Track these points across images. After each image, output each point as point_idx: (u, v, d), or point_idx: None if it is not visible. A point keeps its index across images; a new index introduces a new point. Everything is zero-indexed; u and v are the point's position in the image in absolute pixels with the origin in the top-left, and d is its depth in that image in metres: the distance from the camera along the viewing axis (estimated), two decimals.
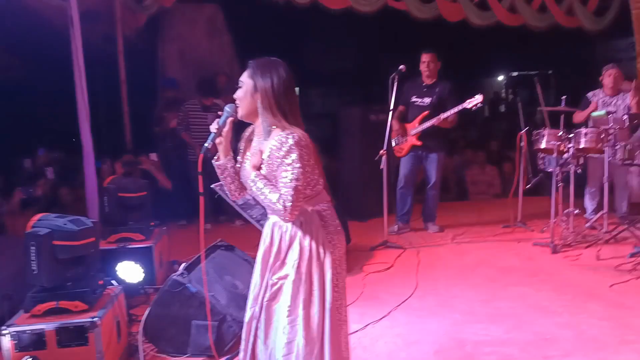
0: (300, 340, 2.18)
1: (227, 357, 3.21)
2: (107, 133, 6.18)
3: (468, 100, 5.51)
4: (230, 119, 2.29)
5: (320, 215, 2.27)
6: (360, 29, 8.96)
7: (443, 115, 5.66)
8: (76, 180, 5.41)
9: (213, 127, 2.28)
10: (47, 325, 2.91)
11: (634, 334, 3.45)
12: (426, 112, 5.82)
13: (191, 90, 6.78)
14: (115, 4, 6.90)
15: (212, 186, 3.02)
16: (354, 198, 6.91)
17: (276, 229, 2.30)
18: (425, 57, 5.93)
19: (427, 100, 5.91)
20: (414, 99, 5.98)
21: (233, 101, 2.31)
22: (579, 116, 5.92)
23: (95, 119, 5.03)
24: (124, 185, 4.46)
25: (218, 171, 2.37)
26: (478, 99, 5.45)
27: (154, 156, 6.01)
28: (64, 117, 5.39)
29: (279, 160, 2.12)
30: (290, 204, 2.10)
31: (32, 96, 5.94)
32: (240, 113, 2.28)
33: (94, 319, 2.94)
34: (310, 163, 2.19)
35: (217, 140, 2.30)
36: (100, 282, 3.25)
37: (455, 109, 5.59)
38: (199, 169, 2.29)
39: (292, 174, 2.11)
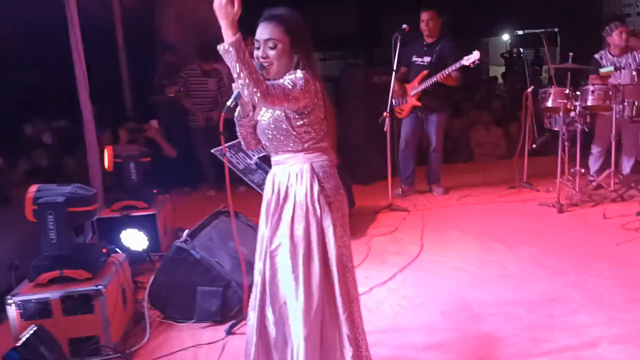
0: (300, 295, 2.16)
1: (233, 322, 3.22)
2: (107, 101, 6.11)
3: (465, 57, 5.39)
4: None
5: (316, 172, 2.20)
6: None
7: (439, 75, 5.55)
8: (78, 149, 5.39)
9: (235, 87, 2.15)
10: (52, 294, 2.91)
11: None
12: (425, 72, 5.72)
13: (191, 55, 6.67)
14: None
15: (212, 151, 2.98)
16: (357, 161, 6.87)
17: (276, 179, 2.26)
18: (424, 15, 5.78)
19: (427, 59, 5.79)
20: (414, 58, 5.86)
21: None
22: (595, 80, 5.74)
23: (95, 87, 4.96)
24: (142, 151, 4.45)
25: (240, 129, 2.32)
26: (475, 55, 5.32)
27: (154, 123, 5.96)
28: (63, 85, 5.32)
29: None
30: (268, 87, 1.98)
31: (29, 65, 5.85)
32: (273, 72, 2.14)
33: (99, 287, 2.94)
34: (315, 101, 2.13)
35: (242, 100, 2.23)
36: (104, 250, 3.24)
37: (452, 67, 5.47)
38: (221, 129, 2.28)
39: (289, 80, 2.05)
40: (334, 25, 11.02)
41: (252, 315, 2.31)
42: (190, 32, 7.24)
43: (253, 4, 2.10)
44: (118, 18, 6.77)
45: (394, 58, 5.44)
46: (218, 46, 1.92)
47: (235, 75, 1.93)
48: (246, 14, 2.10)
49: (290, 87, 2.04)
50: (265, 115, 2.22)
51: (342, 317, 2.18)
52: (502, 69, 13.95)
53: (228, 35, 1.90)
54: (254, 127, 2.31)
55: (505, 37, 14.81)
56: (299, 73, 2.09)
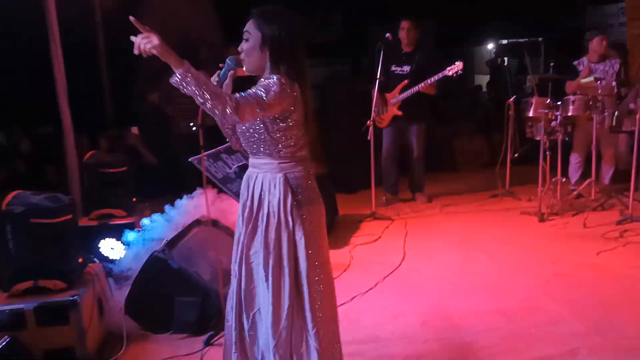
0: (269, 306, 2.14)
1: (211, 333, 3.17)
2: (88, 108, 6.04)
3: (448, 68, 5.39)
4: (232, 72, 2.19)
5: (289, 184, 2.16)
6: None
7: (421, 84, 5.55)
8: (57, 157, 5.32)
9: (213, 80, 2.16)
10: (26, 305, 2.85)
11: (619, 300, 3.45)
12: (405, 81, 5.71)
13: None
14: None
15: (190, 159, 2.94)
16: (342, 170, 6.85)
17: (250, 182, 2.23)
18: (404, 24, 5.79)
19: (407, 68, 5.79)
20: (393, 67, 5.85)
21: (214, 71, 2.22)
22: (571, 86, 5.80)
23: (75, 94, 4.90)
24: (105, 160, 4.37)
25: (223, 127, 2.31)
26: (458, 65, 5.33)
27: (134, 129, 5.90)
28: (42, 92, 5.25)
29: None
30: (238, 101, 1.92)
31: (8, 71, 5.78)
32: (247, 68, 2.15)
33: (74, 298, 2.88)
34: (293, 107, 2.08)
35: None
36: (80, 260, 3.18)
37: (435, 77, 5.48)
38: (199, 122, 2.25)
39: (251, 90, 2.00)
40: (319, 33, 11.03)
41: (231, 317, 2.29)
42: (171, 37, 7.19)
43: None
44: (99, 24, 6.71)
45: (377, 66, 5.45)
46: (172, 78, 1.88)
47: (201, 101, 1.88)
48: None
49: (263, 94, 1.99)
50: None
51: (312, 332, 2.16)
52: (487, 78, 14.04)
53: (176, 64, 1.86)
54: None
55: (490, 46, 14.93)
56: (274, 78, 2.05)
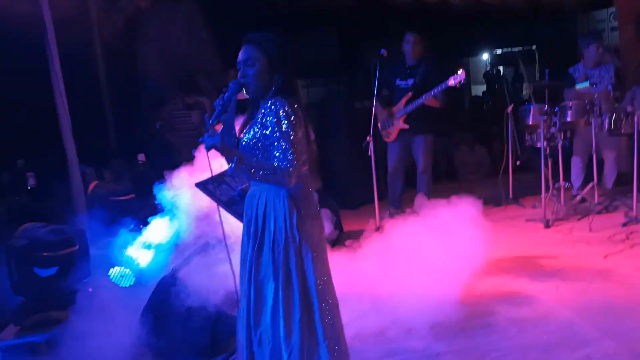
0: (280, 322, 2.18)
1: (224, 355, 3.17)
2: (91, 138, 6.10)
3: (452, 77, 5.40)
4: (236, 96, 2.25)
5: (294, 200, 2.22)
6: (341, 16, 8.92)
7: (425, 96, 5.55)
8: (61, 188, 5.34)
9: (218, 104, 2.23)
10: (38, 337, 2.87)
11: (631, 302, 3.45)
12: (409, 94, 5.74)
13: (174, 89, 6.70)
14: (90, 8, 6.78)
15: (195, 184, 2.97)
16: (344, 187, 6.89)
17: (253, 200, 2.28)
18: (409, 37, 5.83)
19: (410, 81, 5.82)
20: (397, 81, 5.88)
21: (214, 98, 2.27)
22: (569, 93, 5.83)
23: (78, 126, 4.96)
24: (111, 189, 4.40)
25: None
26: (461, 75, 5.32)
27: (142, 157, 5.93)
28: (46, 126, 5.31)
29: (273, 126, 2.15)
30: (289, 166, 2.11)
31: (9, 107, 5.85)
32: (252, 92, 2.23)
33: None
34: (299, 134, 2.17)
35: (223, 118, 2.26)
36: (90, 289, 3.20)
37: (438, 88, 5.48)
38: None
39: (286, 140, 2.12)
40: (315, 53, 11.13)
41: (242, 335, 2.31)
42: (172, 66, 7.29)
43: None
44: (99, 55, 6.81)
45: (374, 83, 5.50)
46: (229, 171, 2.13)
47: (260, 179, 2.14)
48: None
49: (292, 133, 2.12)
50: (247, 135, 2.23)
51: (323, 345, 2.18)
52: (484, 88, 14.13)
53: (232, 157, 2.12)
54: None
55: (485, 56, 15.04)
56: (285, 108, 2.13)
